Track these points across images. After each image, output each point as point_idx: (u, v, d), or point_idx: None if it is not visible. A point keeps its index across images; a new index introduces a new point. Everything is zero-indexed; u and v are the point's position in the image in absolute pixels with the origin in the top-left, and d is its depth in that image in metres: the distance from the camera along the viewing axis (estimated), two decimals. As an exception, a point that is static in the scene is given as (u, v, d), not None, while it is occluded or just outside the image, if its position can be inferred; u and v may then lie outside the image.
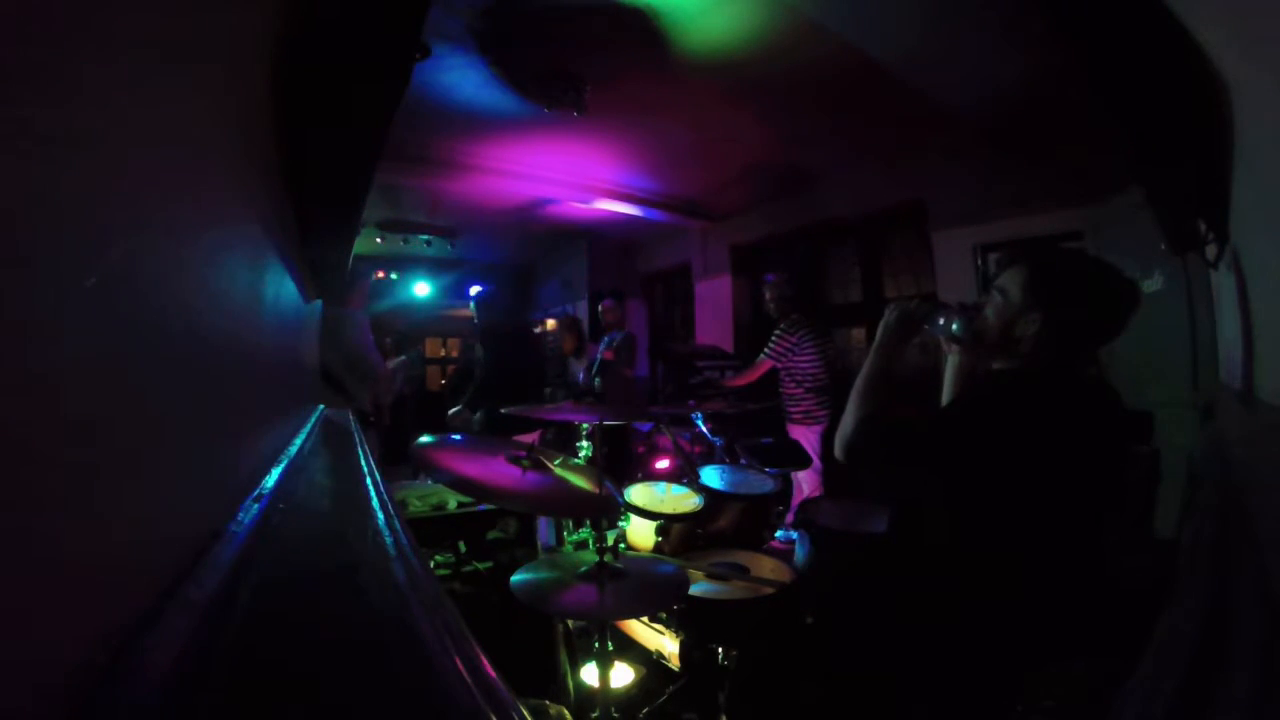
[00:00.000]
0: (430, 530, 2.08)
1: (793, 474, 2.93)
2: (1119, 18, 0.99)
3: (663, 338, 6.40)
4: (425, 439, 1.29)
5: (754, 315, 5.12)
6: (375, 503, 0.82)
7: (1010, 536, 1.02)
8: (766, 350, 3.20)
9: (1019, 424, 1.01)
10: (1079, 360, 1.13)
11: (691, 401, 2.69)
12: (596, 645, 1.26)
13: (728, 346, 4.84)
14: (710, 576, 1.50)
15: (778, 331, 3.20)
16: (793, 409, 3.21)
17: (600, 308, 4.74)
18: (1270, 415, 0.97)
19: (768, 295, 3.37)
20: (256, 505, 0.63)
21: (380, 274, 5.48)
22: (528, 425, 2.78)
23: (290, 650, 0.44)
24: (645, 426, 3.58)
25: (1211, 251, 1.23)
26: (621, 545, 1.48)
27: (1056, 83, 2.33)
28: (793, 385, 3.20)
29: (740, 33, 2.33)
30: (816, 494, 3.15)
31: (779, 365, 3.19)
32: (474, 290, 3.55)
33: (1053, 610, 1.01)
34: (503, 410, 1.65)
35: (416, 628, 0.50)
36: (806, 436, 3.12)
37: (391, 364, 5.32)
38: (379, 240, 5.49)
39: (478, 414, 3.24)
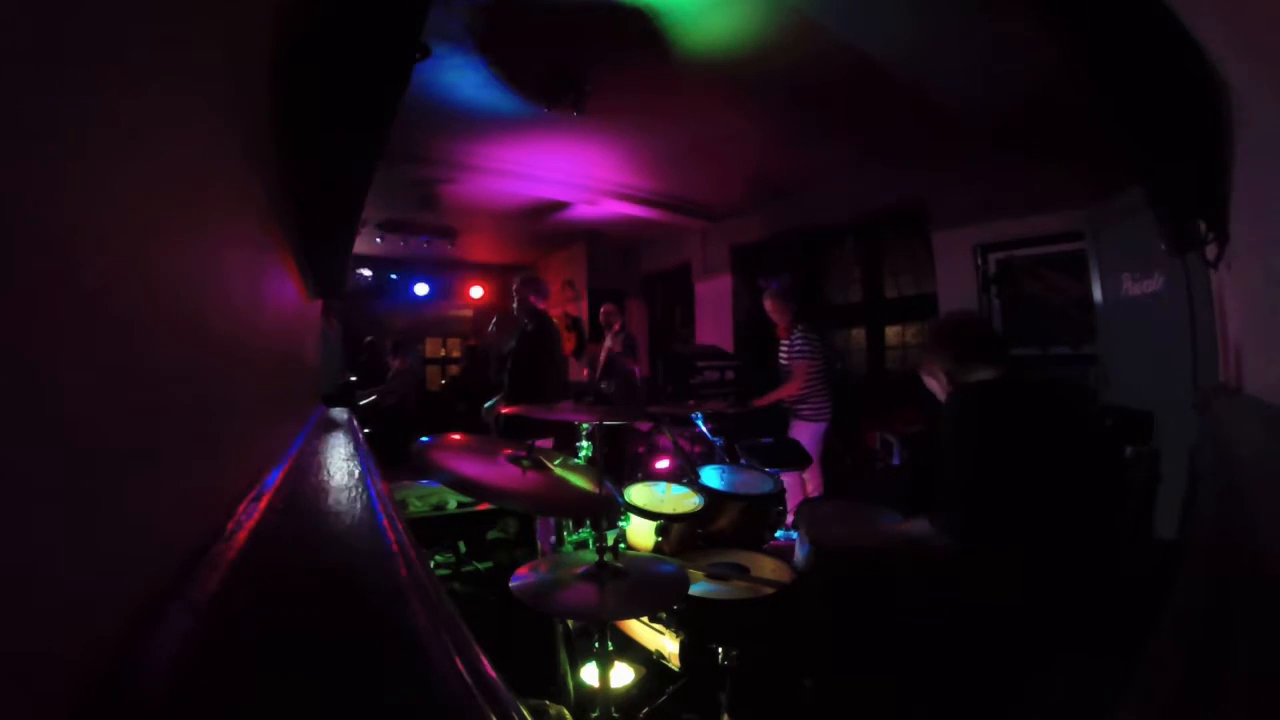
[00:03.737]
0: (430, 530, 2.08)
1: (793, 474, 2.93)
2: (1119, 18, 0.99)
3: (663, 338, 6.40)
4: (425, 439, 1.29)
5: (754, 315, 5.12)
6: (375, 503, 0.82)
7: (1006, 537, 1.02)
8: (801, 353, 3.18)
9: (991, 428, 1.09)
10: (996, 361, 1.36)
11: (691, 401, 2.69)
12: (596, 645, 1.25)
13: (728, 346, 4.84)
14: (710, 576, 1.50)
15: (800, 333, 3.20)
16: (800, 406, 3.22)
17: (601, 310, 4.76)
18: (1270, 414, 0.97)
19: (775, 303, 3.36)
20: (256, 505, 0.63)
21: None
22: (544, 427, 2.71)
23: (290, 650, 0.44)
24: (645, 426, 3.58)
25: (1211, 251, 1.23)
26: (621, 545, 1.48)
27: (1057, 83, 2.33)
28: (802, 383, 3.21)
29: (740, 33, 2.34)
30: (817, 493, 3.15)
31: (798, 364, 3.20)
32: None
33: (1052, 610, 1.01)
34: (504, 411, 1.65)
35: (416, 628, 0.50)
36: (809, 433, 3.12)
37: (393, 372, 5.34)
38: (379, 240, 5.49)
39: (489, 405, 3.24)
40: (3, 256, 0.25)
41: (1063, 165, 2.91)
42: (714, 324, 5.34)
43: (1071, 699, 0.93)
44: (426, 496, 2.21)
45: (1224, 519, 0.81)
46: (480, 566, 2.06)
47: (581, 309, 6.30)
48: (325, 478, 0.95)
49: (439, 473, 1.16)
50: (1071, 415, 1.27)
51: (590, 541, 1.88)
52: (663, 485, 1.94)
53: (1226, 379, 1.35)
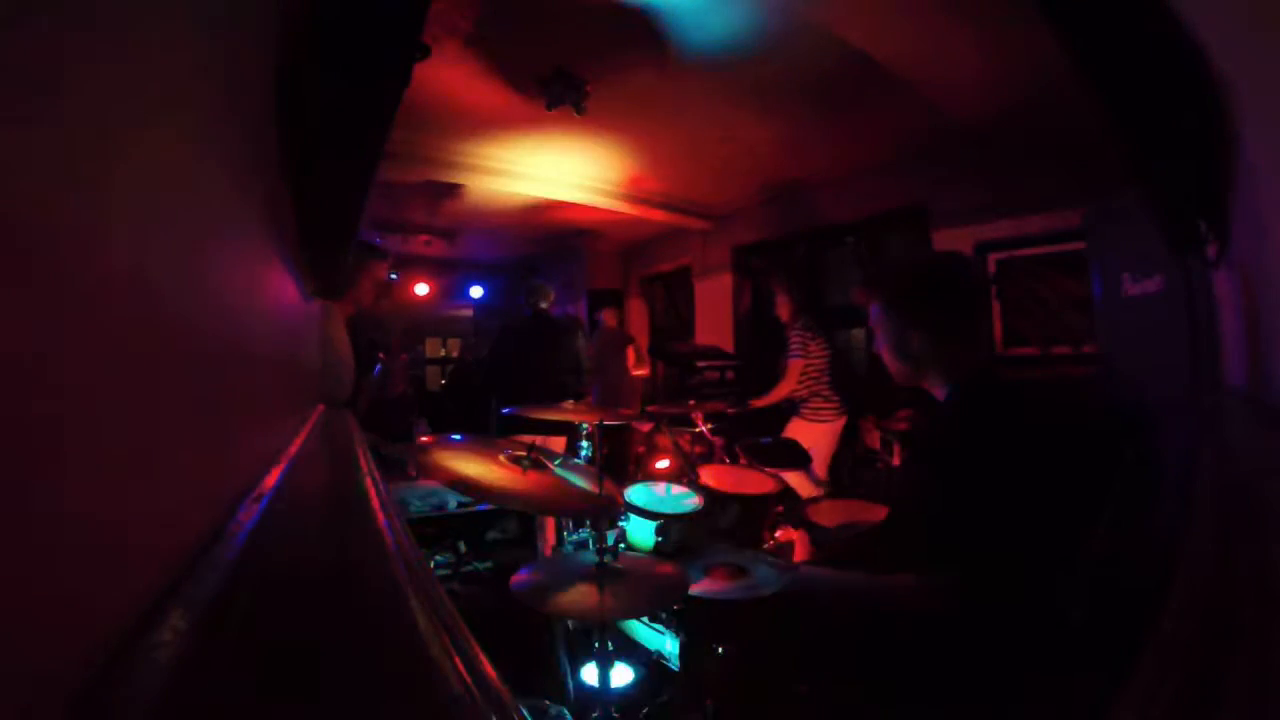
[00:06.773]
0: (430, 530, 2.08)
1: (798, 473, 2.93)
2: (1119, 17, 0.99)
3: (663, 338, 6.40)
4: (425, 439, 1.29)
5: (754, 315, 5.12)
6: (375, 503, 0.82)
7: (1006, 542, 1.02)
8: (793, 352, 3.19)
9: (991, 443, 1.05)
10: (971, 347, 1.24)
11: (691, 401, 2.69)
12: (596, 645, 1.26)
13: (728, 346, 4.83)
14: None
15: (798, 330, 3.21)
16: (803, 406, 3.22)
17: (598, 318, 4.77)
18: (1270, 415, 0.96)
19: (778, 292, 3.37)
20: (256, 505, 0.63)
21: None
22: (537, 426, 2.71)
23: (290, 650, 0.44)
24: (645, 426, 3.58)
25: (1212, 251, 1.22)
26: (621, 545, 1.48)
27: (1057, 83, 2.33)
28: (805, 381, 3.21)
29: (740, 33, 2.33)
30: (816, 493, 3.15)
31: (789, 363, 3.20)
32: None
33: (1051, 613, 1.00)
34: (505, 410, 1.65)
35: (416, 627, 0.50)
36: (809, 433, 3.13)
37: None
38: (379, 240, 5.49)
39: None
40: (3, 255, 0.25)
41: (1063, 165, 2.91)
42: (714, 324, 5.34)
43: (1070, 702, 0.93)
44: (426, 496, 2.21)
45: (1224, 519, 0.81)
46: (480, 566, 2.06)
47: (580, 309, 6.30)
48: (325, 478, 0.95)
49: (439, 473, 1.16)
50: (1067, 422, 1.22)
51: (590, 541, 1.88)
52: (663, 485, 1.94)
53: (1226, 379, 1.35)
